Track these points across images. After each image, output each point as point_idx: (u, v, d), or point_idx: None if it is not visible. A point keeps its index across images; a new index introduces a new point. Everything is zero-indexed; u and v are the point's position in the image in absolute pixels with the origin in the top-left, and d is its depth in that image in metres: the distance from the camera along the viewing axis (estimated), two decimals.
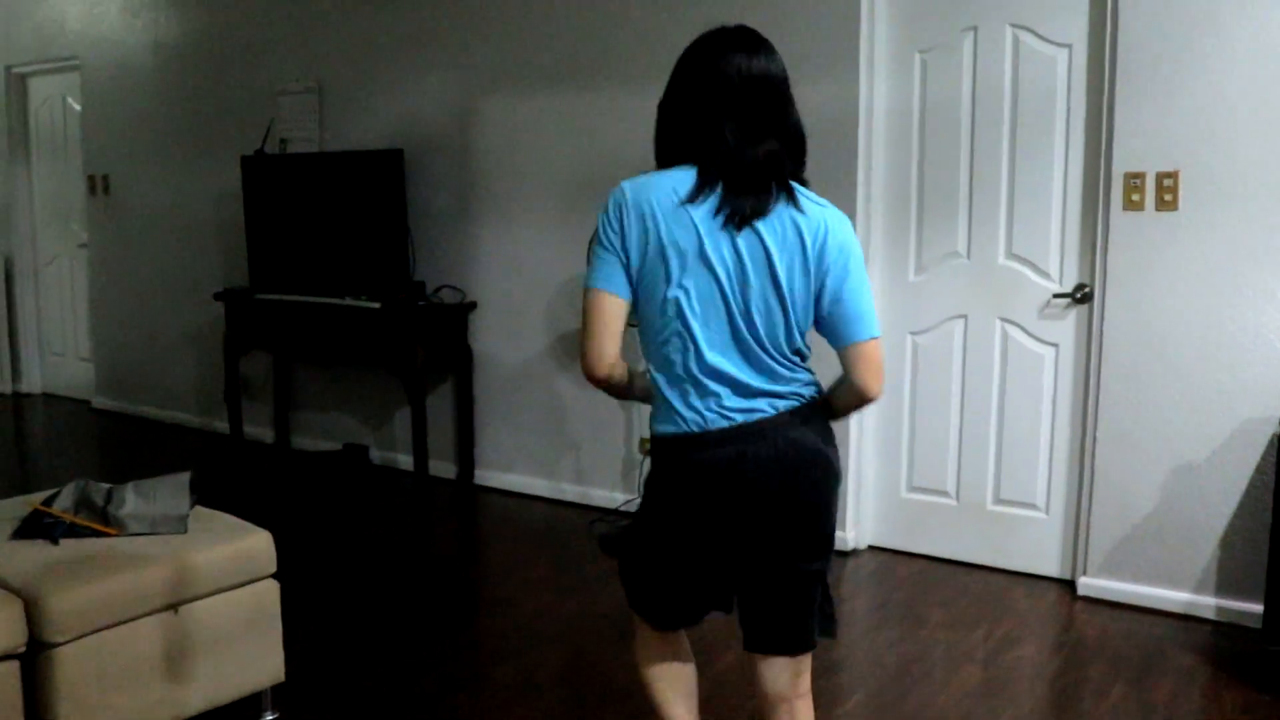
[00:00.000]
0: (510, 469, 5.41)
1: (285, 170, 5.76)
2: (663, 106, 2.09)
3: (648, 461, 3.42)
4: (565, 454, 5.21)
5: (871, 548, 4.54)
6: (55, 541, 2.83)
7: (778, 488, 2.06)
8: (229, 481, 5.66)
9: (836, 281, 2.03)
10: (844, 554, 4.44)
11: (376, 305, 5.24)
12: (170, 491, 3.04)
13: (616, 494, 5.03)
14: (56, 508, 2.95)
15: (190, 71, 6.52)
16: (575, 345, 5.04)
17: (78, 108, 7.38)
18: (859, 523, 4.50)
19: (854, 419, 4.30)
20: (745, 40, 2.05)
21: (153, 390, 7.07)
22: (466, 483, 5.52)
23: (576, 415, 5.13)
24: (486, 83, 5.24)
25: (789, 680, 2.21)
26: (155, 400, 7.07)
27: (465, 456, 5.51)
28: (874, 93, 4.29)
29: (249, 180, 5.84)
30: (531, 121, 5.12)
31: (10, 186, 7.87)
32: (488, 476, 5.49)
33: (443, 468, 5.61)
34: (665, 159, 2.09)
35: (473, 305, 5.42)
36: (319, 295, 5.49)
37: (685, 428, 2.08)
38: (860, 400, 2.10)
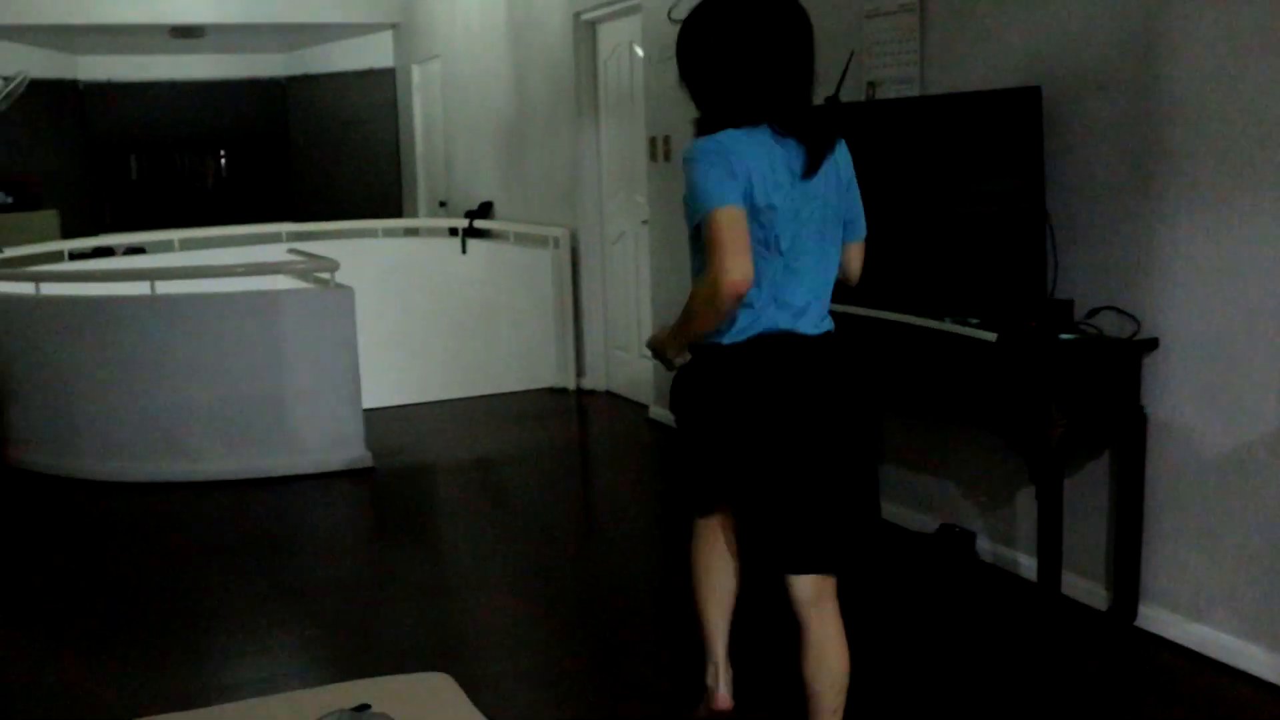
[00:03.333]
0: (1200, 616, 3.45)
1: (868, 124, 4.23)
2: None
3: None
4: None
5: None
6: None
7: None
8: None
9: None
10: None
11: (991, 336, 3.54)
12: None
13: None
14: None
15: None
16: None
17: (641, 55, 6.46)
18: None
19: None
20: None
21: None
22: (1123, 621, 3.65)
23: None
24: None
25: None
26: None
27: (1125, 581, 3.64)
28: None
29: None
30: (1268, 43, 3.10)
31: (577, 151, 7.19)
32: (1160, 620, 3.57)
33: (1086, 589, 3.79)
34: None
35: (1151, 344, 3.50)
36: (903, 311, 3.91)
37: None
38: None
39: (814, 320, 2.53)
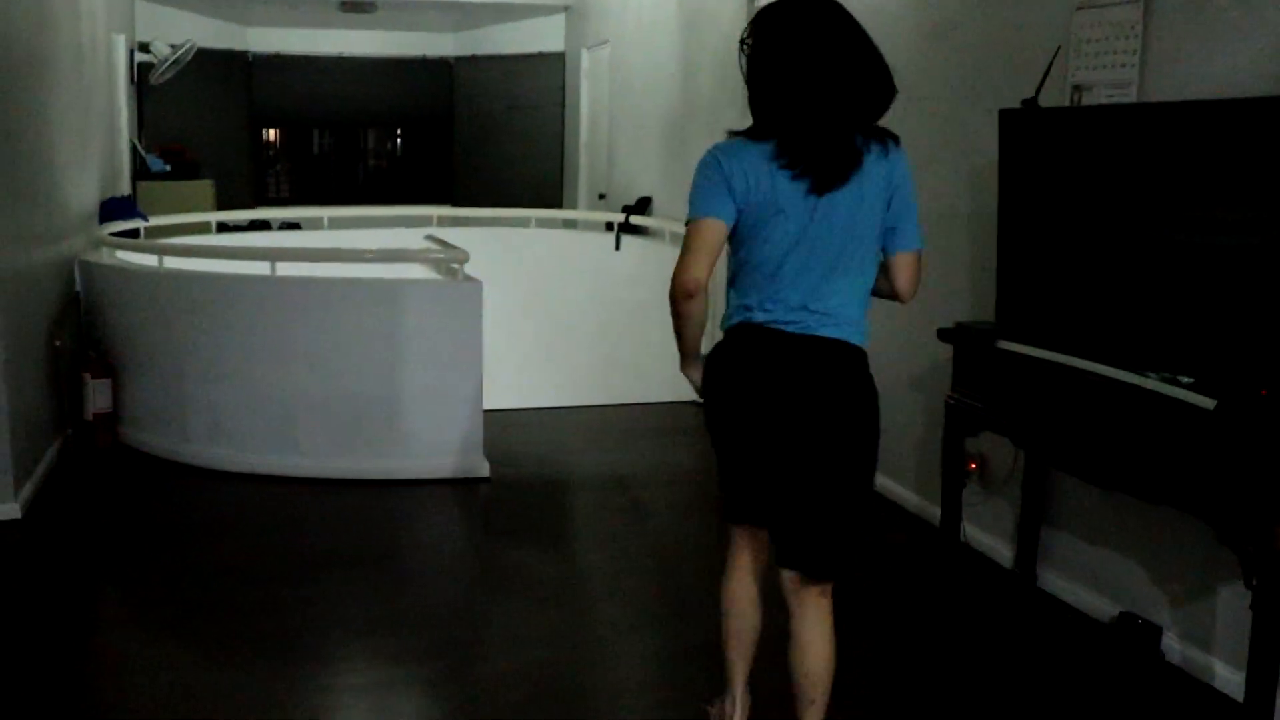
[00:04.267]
0: None
1: (1072, 135, 3.63)
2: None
3: None
4: None
5: None
6: None
7: None
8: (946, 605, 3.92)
9: None
10: None
11: (1207, 403, 2.91)
12: None
13: None
14: None
15: None
16: None
17: None
18: None
19: None
20: None
21: None
22: None
23: None
24: None
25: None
26: None
27: None
28: None
29: (1011, 149, 3.81)
30: None
31: None
32: None
33: None
34: None
35: None
36: (1097, 359, 3.31)
37: None
38: None
39: (810, 324, 2.58)
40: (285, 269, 5.36)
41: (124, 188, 8.86)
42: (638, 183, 8.65)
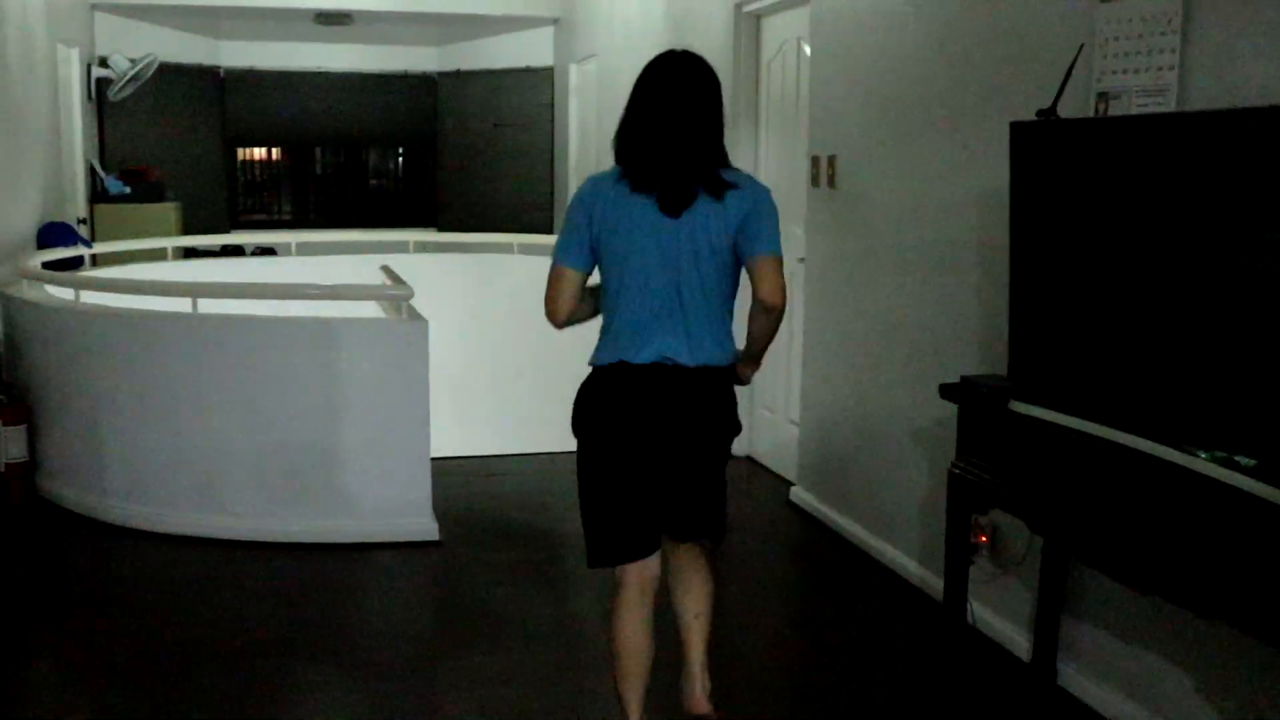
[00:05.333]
0: None
1: (1097, 150, 3.05)
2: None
3: None
4: None
5: None
6: None
7: None
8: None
9: None
10: None
11: (1273, 494, 2.32)
12: None
13: None
14: None
15: None
16: None
17: (809, 54, 5.38)
18: None
19: None
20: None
21: (862, 500, 4.84)
22: None
23: None
24: None
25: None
26: (864, 516, 4.82)
27: None
28: None
29: (1024, 168, 3.23)
30: None
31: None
32: None
33: None
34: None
35: None
36: (1128, 428, 2.71)
37: None
38: None
39: (667, 355, 2.87)
40: (211, 306, 4.82)
41: (76, 212, 8.35)
42: None
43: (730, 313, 2.96)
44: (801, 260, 5.44)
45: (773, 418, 5.99)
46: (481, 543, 4.90)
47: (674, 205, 2.81)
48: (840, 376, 5.01)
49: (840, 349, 5.01)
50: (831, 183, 5.00)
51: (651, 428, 2.89)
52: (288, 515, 4.74)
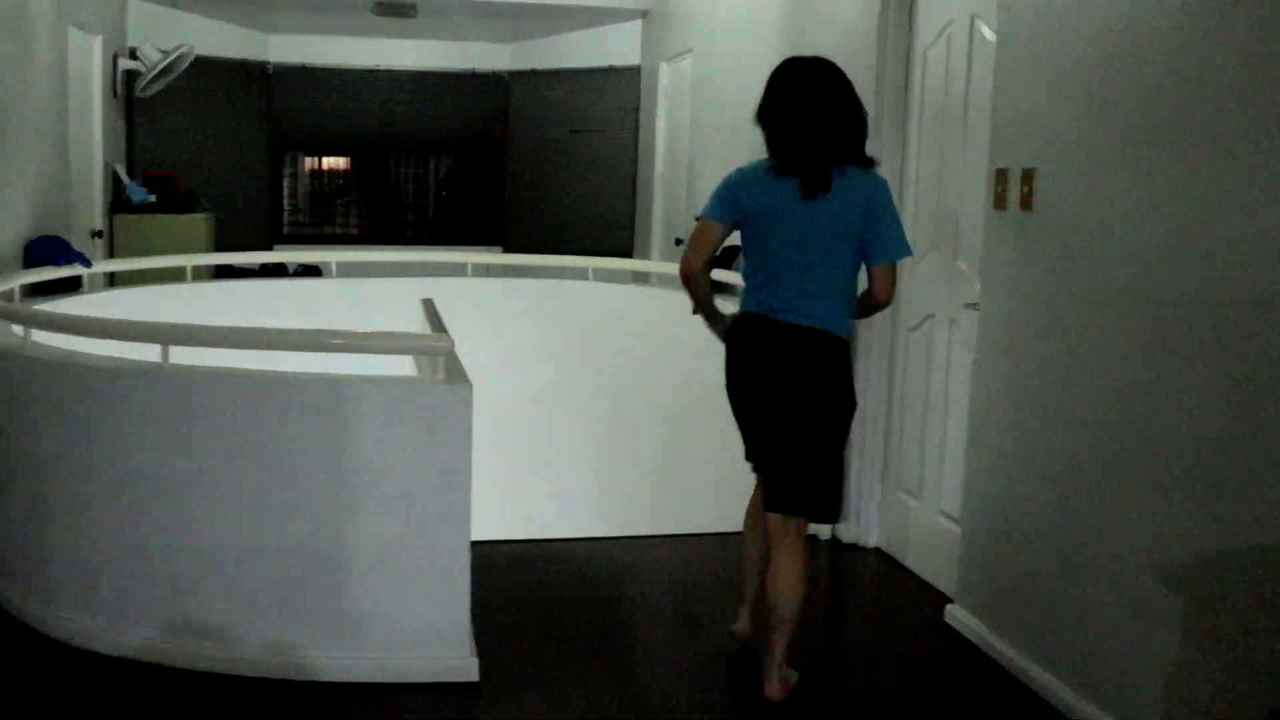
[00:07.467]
0: None
1: None
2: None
3: None
4: None
5: None
6: None
7: None
8: None
9: None
10: None
11: None
12: None
13: None
14: None
15: None
16: None
17: (992, 40, 4.03)
18: None
19: None
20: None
21: (1058, 645, 3.47)
22: None
23: None
24: None
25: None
26: (1059, 663, 3.46)
27: None
28: None
29: None
30: None
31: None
32: None
33: None
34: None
35: None
36: None
37: None
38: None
39: (795, 314, 3.30)
40: (186, 355, 3.58)
41: (90, 223, 7.23)
42: None
43: (854, 293, 3.41)
44: (972, 306, 4.09)
45: (918, 506, 4.63)
46: (538, 684, 3.60)
47: (810, 190, 3.26)
48: (1031, 470, 3.64)
49: (1034, 432, 3.64)
50: (1026, 204, 3.63)
51: (768, 373, 3.35)
52: (278, 641, 3.48)
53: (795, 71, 3.37)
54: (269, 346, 3.62)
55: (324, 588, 3.49)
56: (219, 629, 3.54)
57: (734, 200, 3.36)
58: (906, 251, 3.38)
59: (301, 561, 3.49)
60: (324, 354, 3.76)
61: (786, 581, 3.37)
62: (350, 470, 3.42)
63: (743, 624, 3.82)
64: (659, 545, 4.96)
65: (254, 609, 3.54)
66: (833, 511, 3.50)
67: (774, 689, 3.42)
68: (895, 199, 4.84)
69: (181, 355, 3.58)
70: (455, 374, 3.49)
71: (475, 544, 3.52)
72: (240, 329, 3.86)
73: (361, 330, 4.01)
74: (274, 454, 3.46)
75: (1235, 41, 2.80)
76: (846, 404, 3.37)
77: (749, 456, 3.53)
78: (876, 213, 3.28)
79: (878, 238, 3.29)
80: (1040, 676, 3.53)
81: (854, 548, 4.94)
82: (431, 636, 3.50)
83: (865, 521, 4.94)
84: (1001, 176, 3.78)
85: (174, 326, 3.67)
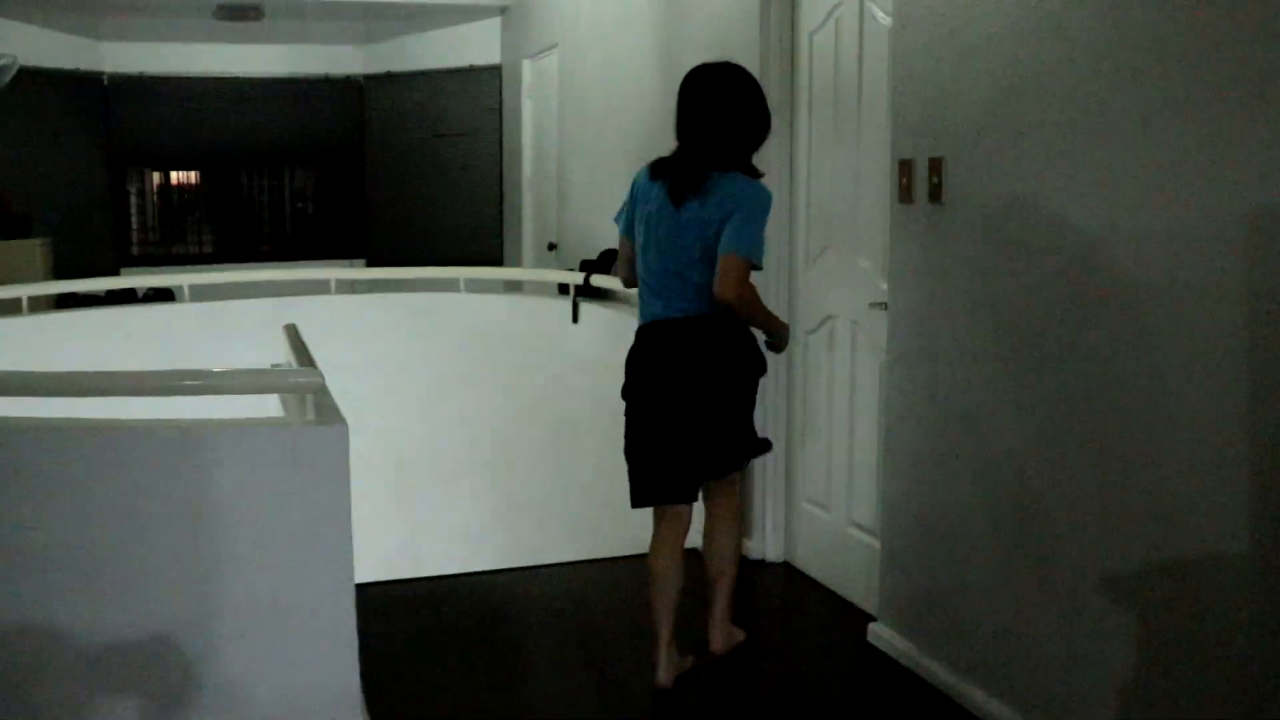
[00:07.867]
0: None
1: None
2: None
3: None
4: None
5: None
6: None
7: None
8: None
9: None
10: None
11: None
12: None
13: None
14: None
15: None
16: None
17: (885, 22, 3.80)
18: None
19: None
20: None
21: (1000, 666, 3.25)
22: None
23: None
24: None
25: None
26: (988, 670, 3.25)
27: None
28: None
29: None
30: None
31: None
32: None
33: None
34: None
35: None
36: None
37: None
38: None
39: (660, 308, 3.40)
40: (12, 407, 3.12)
41: None
42: (599, 229, 6.43)
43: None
44: (879, 305, 3.86)
45: (828, 518, 4.39)
46: None
47: (677, 195, 3.32)
48: (955, 474, 3.42)
49: (957, 434, 3.42)
50: (936, 196, 3.41)
51: (655, 377, 3.40)
52: None
53: (691, 77, 3.40)
54: (112, 393, 3.18)
55: (188, 659, 3.08)
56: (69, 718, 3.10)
57: (632, 206, 3.45)
58: (749, 252, 3.22)
59: (160, 636, 3.06)
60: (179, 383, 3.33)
61: (725, 536, 3.53)
62: (212, 526, 3.01)
63: (665, 673, 3.47)
64: (555, 575, 4.64)
65: (108, 688, 3.10)
66: (757, 447, 3.59)
67: (717, 642, 3.55)
68: (782, 196, 4.67)
69: (8, 407, 3.13)
70: (327, 412, 3.10)
71: (360, 587, 3.16)
72: (74, 374, 3.41)
73: (220, 364, 3.60)
74: (121, 514, 3.03)
75: (1166, 9, 2.59)
76: (745, 366, 3.42)
77: (643, 496, 3.48)
78: (731, 213, 3.25)
79: (722, 232, 3.24)
80: (978, 698, 3.31)
81: (761, 564, 4.68)
82: (317, 702, 3.11)
83: (770, 535, 4.69)
84: (905, 168, 3.55)
85: None
